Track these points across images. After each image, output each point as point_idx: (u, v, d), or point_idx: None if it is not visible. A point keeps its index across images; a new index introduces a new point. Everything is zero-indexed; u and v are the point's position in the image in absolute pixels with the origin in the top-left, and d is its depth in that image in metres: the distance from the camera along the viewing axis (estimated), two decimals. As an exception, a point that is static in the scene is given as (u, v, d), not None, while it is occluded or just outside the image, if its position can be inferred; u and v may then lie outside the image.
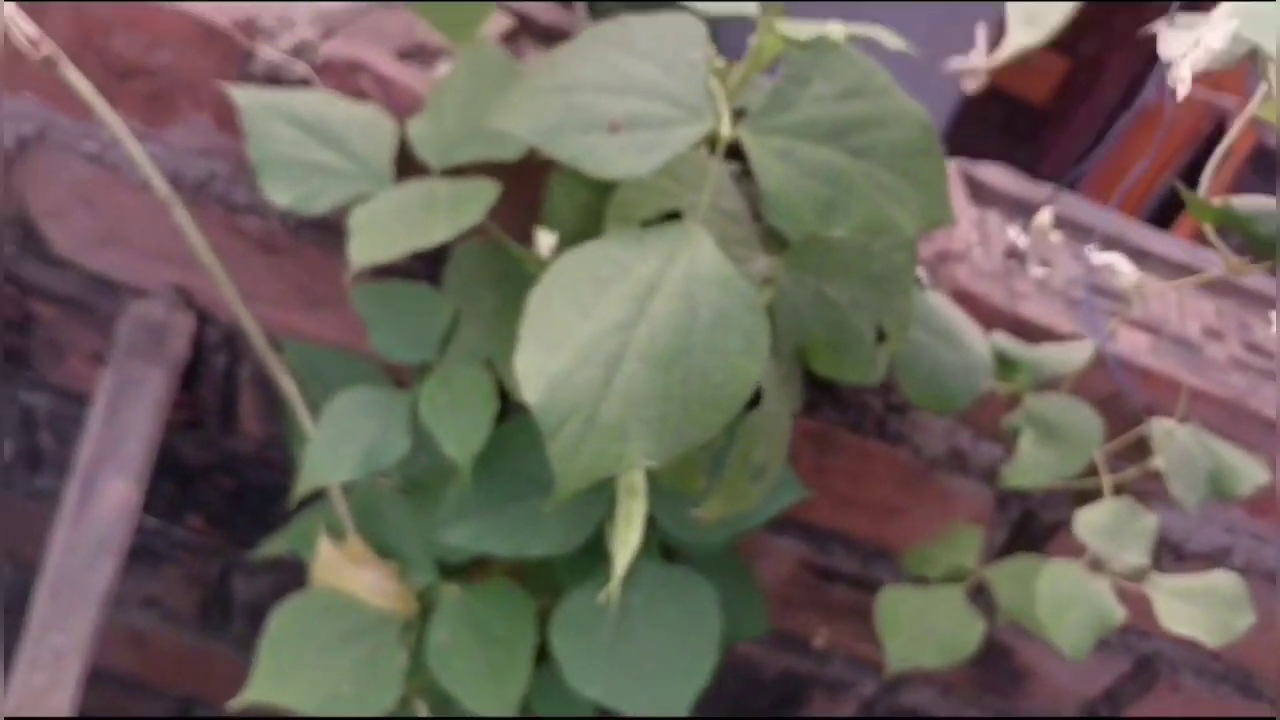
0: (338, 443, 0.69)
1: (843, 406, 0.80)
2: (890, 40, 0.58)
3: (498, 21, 0.74)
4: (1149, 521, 0.71)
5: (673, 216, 0.56)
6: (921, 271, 0.75)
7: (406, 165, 0.66)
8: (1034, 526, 0.86)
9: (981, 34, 0.63)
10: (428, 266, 0.74)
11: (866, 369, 0.60)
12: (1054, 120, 2.11)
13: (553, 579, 0.75)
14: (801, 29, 0.56)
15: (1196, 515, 0.82)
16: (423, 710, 0.77)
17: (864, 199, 0.51)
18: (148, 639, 1.11)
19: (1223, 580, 0.70)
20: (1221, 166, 0.63)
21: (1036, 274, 0.80)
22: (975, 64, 0.56)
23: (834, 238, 0.52)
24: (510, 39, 0.75)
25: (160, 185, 0.67)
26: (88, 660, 0.75)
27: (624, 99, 0.51)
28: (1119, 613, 0.69)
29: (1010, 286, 0.78)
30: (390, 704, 0.73)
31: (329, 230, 0.75)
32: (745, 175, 0.55)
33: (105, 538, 0.77)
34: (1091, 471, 0.74)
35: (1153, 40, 0.58)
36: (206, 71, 0.69)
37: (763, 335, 0.49)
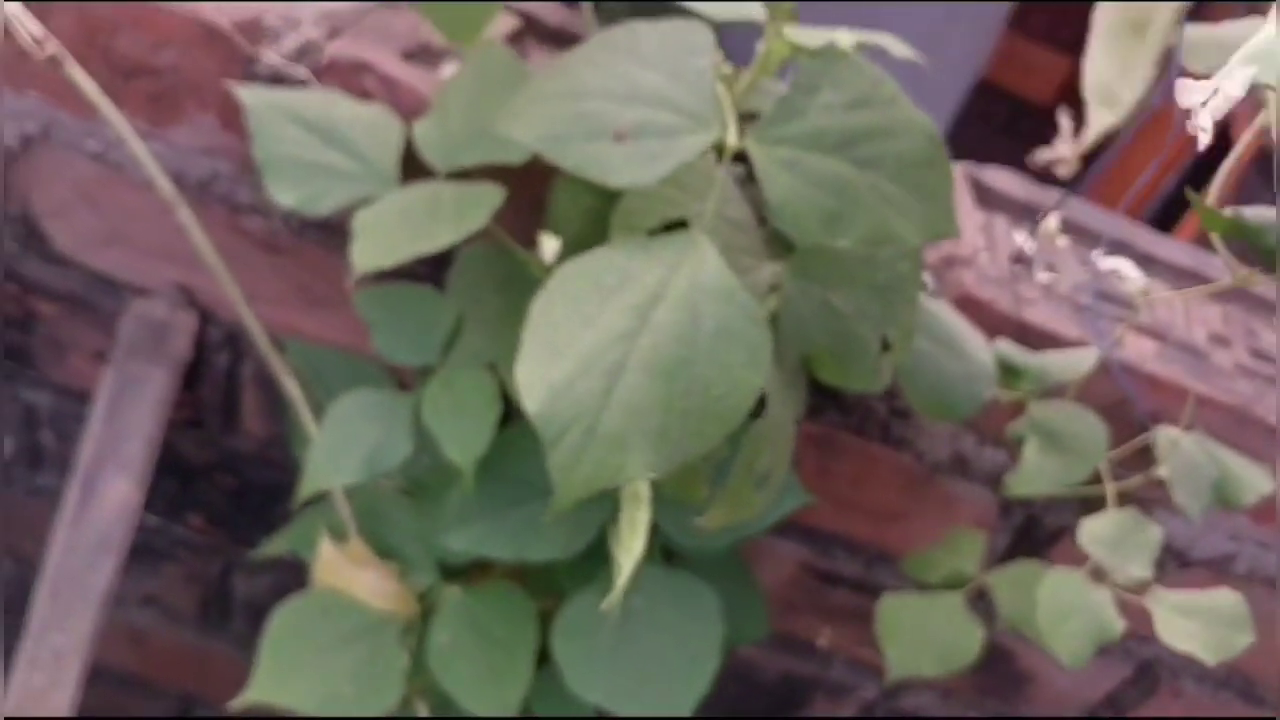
0: (340, 446, 0.68)
1: (846, 410, 0.80)
2: (897, 48, 0.58)
3: (503, 22, 0.74)
4: (1153, 533, 0.71)
5: (678, 224, 0.56)
6: (927, 277, 0.75)
7: (411, 167, 0.65)
8: (1037, 532, 0.85)
9: (1066, 121, 0.64)
10: (431, 268, 0.73)
11: (871, 378, 0.60)
12: (1056, 120, 2.10)
13: (554, 581, 0.75)
14: (809, 35, 0.56)
15: (1200, 523, 0.82)
16: (423, 711, 0.77)
17: (869, 211, 0.51)
18: (148, 637, 1.11)
19: (1224, 598, 0.69)
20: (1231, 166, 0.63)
21: (1043, 279, 0.80)
22: (1062, 153, 0.56)
23: (839, 247, 0.51)
24: (516, 39, 0.75)
25: (164, 184, 0.67)
26: (88, 660, 0.75)
27: (631, 107, 0.51)
28: (1118, 624, 0.69)
29: (1016, 292, 0.78)
30: (391, 705, 0.73)
31: (332, 230, 0.75)
32: (750, 178, 0.55)
33: (106, 537, 0.76)
34: (1096, 479, 0.74)
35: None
36: (211, 71, 0.69)
37: (765, 348, 0.49)
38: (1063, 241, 0.83)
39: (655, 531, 0.71)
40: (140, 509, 0.78)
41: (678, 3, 0.59)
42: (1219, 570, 0.85)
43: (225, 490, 0.94)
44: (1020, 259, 0.80)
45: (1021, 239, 0.81)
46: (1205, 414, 0.77)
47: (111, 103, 0.63)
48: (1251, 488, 0.72)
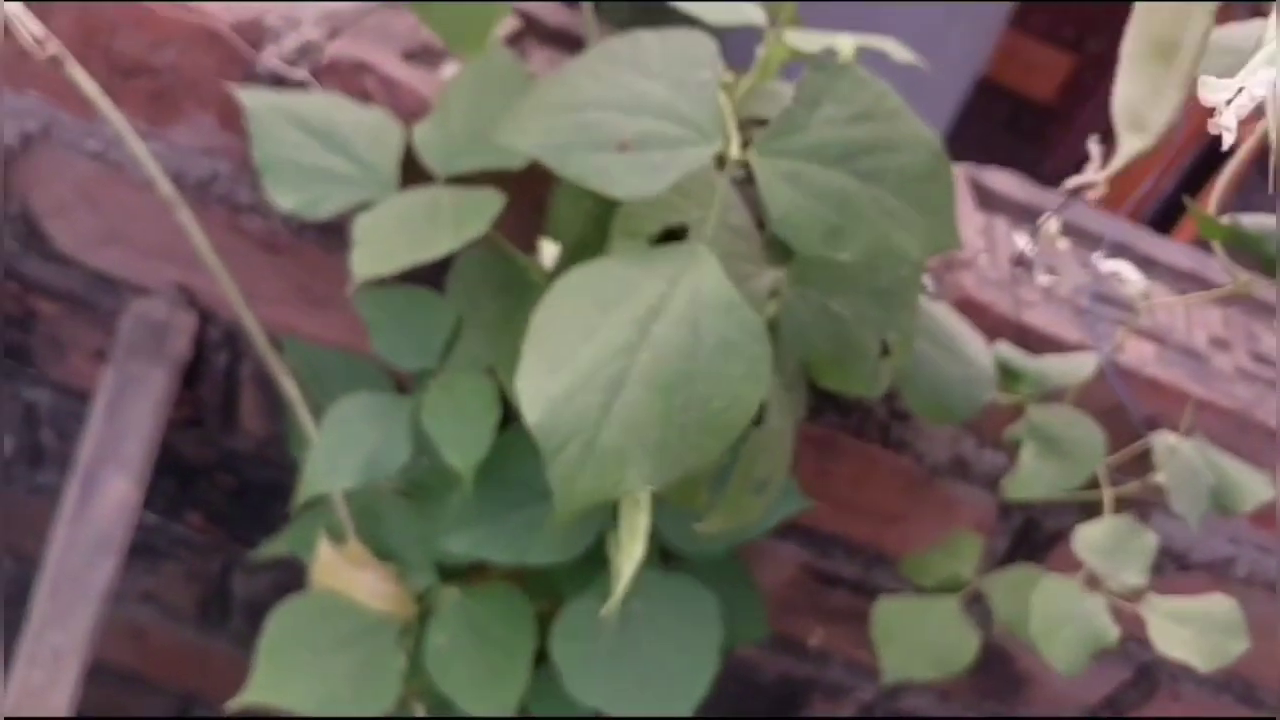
0: (339, 450, 0.68)
1: (846, 412, 0.80)
2: (897, 53, 0.58)
3: (504, 23, 0.74)
4: (1148, 540, 0.71)
5: (678, 231, 0.56)
6: (927, 279, 0.75)
7: (411, 170, 0.65)
8: (1036, 535, 0.85)
9: (1095, 148, 0.63)
10: (432, 270, 0.73)
11: (870, 383, 0.60)
12: (1059, 118, 2.10)
13: (552, 583, 0.75)
14: (809, 39, 0.56)
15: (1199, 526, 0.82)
16: (420, 713, 0.77)
17: (871, 224, 0.51)
18: (147, 634, 1.11)
19: (1218, 604, 0.69)
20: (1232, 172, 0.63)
21: (1043, 282, 0.80)
22: (1092, 178, 0.56)
23: (841, 260, 0.51)
24: (516, 40, 0.75)
25: (163, 184, 0.67)
26: (87, 659, 0.75)
27: (635, 118, 0.50)
28: (1113, 631, 0.69)
29: (1017, 295, 0.77)
30: (388, 706, 0.73)
31: (331, 231, 0.75)
32: (749, 179, 0.54)
33: (105, 536, 0.77)
34: (1093, 484, 0.74)
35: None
36: (211, 71, 0.69)
37: (765, 362, 0.49)
38: (1063, 244, 0.83)
39: (654, 535, 0.71)
40: (140, 507, 0.78)
41: (677, 2, 0.59)
42: (1218, 574, 0.85)
43: (224, 489, 0.94)
44: (1021, 261, 0.80)
45: (1022, 241, 0.80)
46: (1205, 418, 0.77)
47: (111, 102, 0.63)
48: (1250, 494, 0.71)
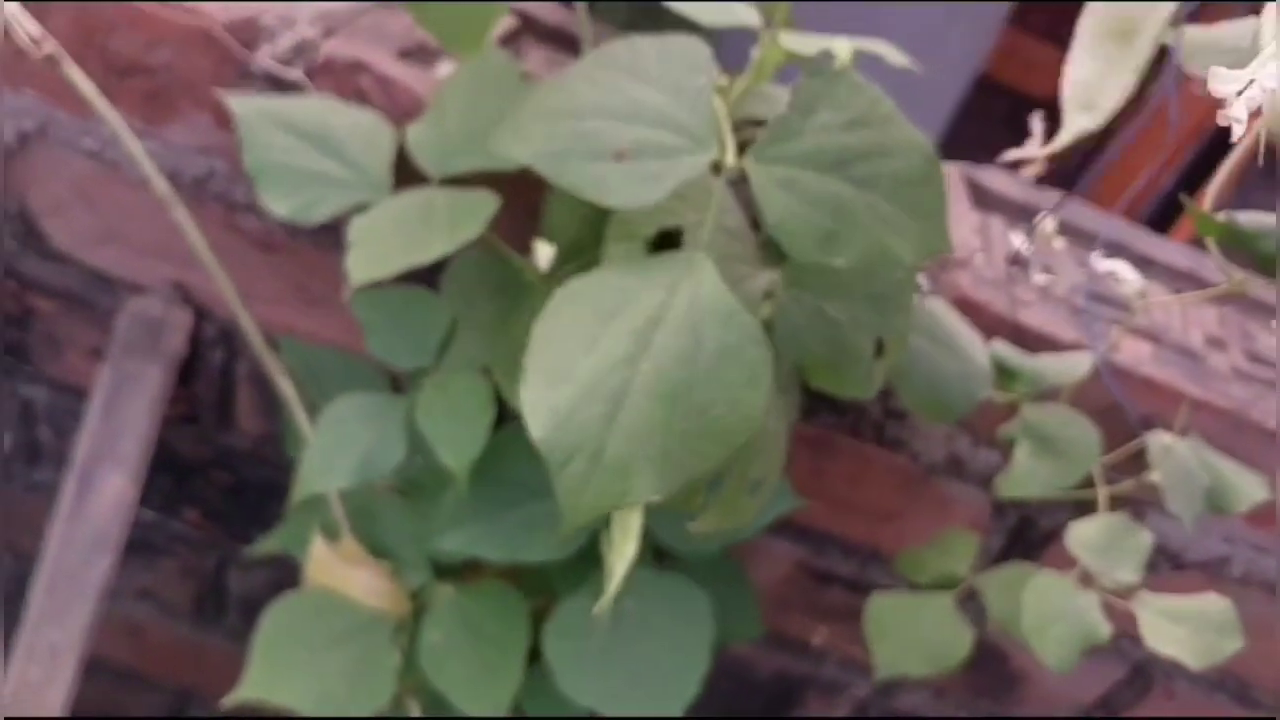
0: (334, 450, 0.69)
1: (841, 411, 0.80)
2: (893, 56, 0.58)
3: (501, 21, 0.74)
4: (1142, 538, 0.71)
5: (673, 233, 0.56)
6: (922, 279, 0.75)
7: (404, 171, 0.65)
8: (1031, 533, 0.86)
9: (1038, 124, 0.63)
10: (426, 269, 0.73)
11: (864, 385, 0.60)
12: (1058, 115, 2.10)
13: (547, 580, 0.75)
14: (804, 42, 0.56)
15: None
16: (415, 710, 0.77)
17: (865, 230, 0.51)
18: (143, 630, 1.12)
19: (1212, 603, 0.70)
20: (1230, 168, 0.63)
21: (1039, 281, 0.80)
22: (1032, 152, 0.56)
23: (836, 265, 0.51)
24: (513, 39, 0.75)
25: (159, 182, 0.67)
26: (84, 655, 0.75)
27: (631, 127, 0.50)
28: (1105, 628, 0.69)
29: (1012, 294, 0.78)
30: (383, 704, 0.73)
31: (327, 230, 0.75)
32: (744, 179, 0.55)
33: (102, 533, 0.77)
34: (1089, 483, 0.74)
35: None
36: (206, 70, 0.69)
37: (766, 367, 0.49)
38: (1060, 243, 0.83)
39: (647, 533, 0.71)
40: (136, 504, 0.78)
41: (673, 2, 0.59)
42: (1213, 573, 0.85)
43: (220, 486, 0.95)
44: (1017, 260, 0.80)
45: (1018, 240, 0.81)
46: (1201, 418, 0.77)
47: (107, 101, 0.63)
48: (1245, 495, 0.71)
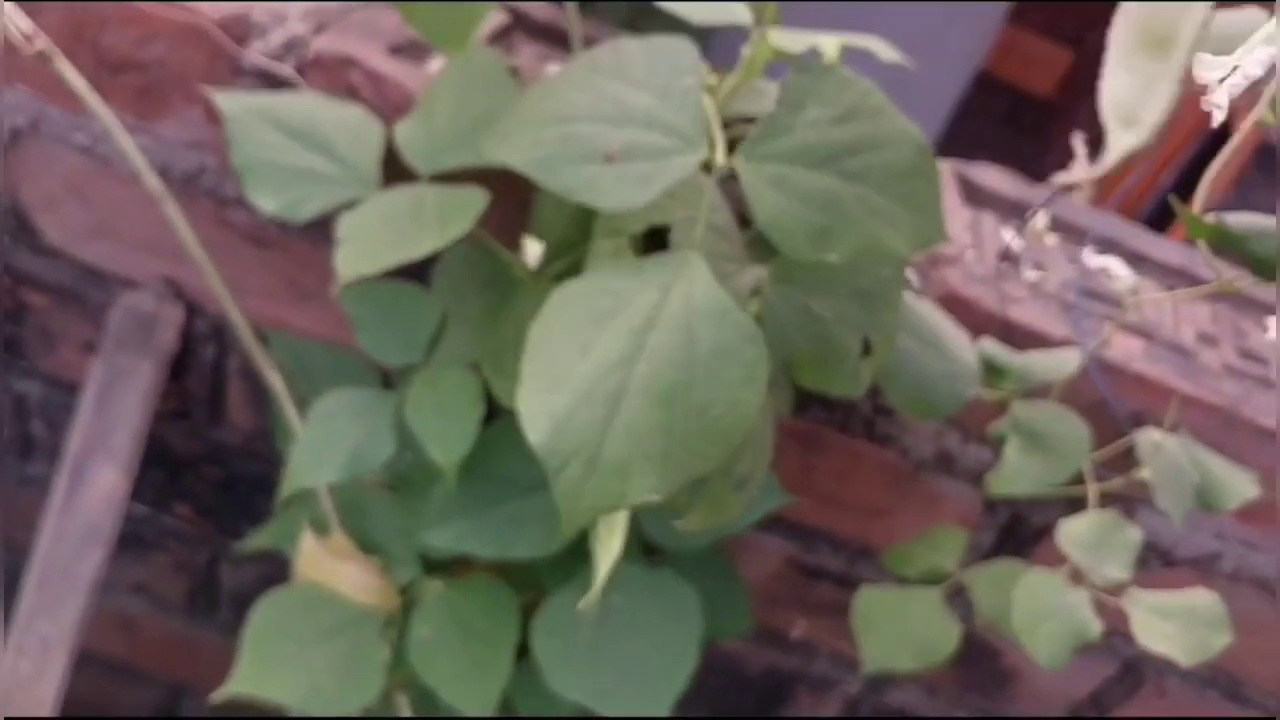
0: (324, 445, 0.69)
1: (831, 407, 0.80)
2: (884, 52, 0.58)
3: (492, 18, 0.74)
4: (1132, 535, 0.71)
5: (662, 230, 0.56)
6: (911, 275, 0.75)
7: (392, 167, 0.65)
8: (1022, 530, 0.86)
9: (1081, 145, 0.63)
10: (416, 265, 0.73)
11: (851, 383, 0.60)
12: (1058, 113, 2.10)
13: (536, 576, 0.75)
14: (793, 39, 0.56)
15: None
16: (404, 706, 0.77)
17: (858, 224, 0.50)
18: (136, 624, 1.12)
19: (1201, 599, 0.70)
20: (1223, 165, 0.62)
21: (1030, 277, 0.80)
22: (1079, 175, 0.55)
23: (830, 261, 0.51)
24: (504, 35, 0.75)
25: (150, 178, 0.67)
26: (75, 649, 0.75)
27: (621, 129, 0.50)
28: (1096, 625, 0.69)
29: (1003, 290, 0.78)
30: (372, 699, 0.73)
31: (318, 225, 0.74)
32: (732, 178, 0.55)
33: (94, 527, 0.77)
34: (1079, 480, 0.74)
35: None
36: (198, 66, 0.69)
37: (761, 365, 0.49)
38: (1051, 239, 0.83)
39: (636, 529, 0.71)
40: (128, 498, 0.79)
41: (663, 1, 0.59)
42: (1204, 570, 0.85)
43: (212, 481, 0.95)
44: (1008, 257, 0.80)
45: (1009, 236, 0.81)
46: (1192, 414, 0.77)
47: (99, 97, 0.64)
48: (1235, 492, 0.72)
